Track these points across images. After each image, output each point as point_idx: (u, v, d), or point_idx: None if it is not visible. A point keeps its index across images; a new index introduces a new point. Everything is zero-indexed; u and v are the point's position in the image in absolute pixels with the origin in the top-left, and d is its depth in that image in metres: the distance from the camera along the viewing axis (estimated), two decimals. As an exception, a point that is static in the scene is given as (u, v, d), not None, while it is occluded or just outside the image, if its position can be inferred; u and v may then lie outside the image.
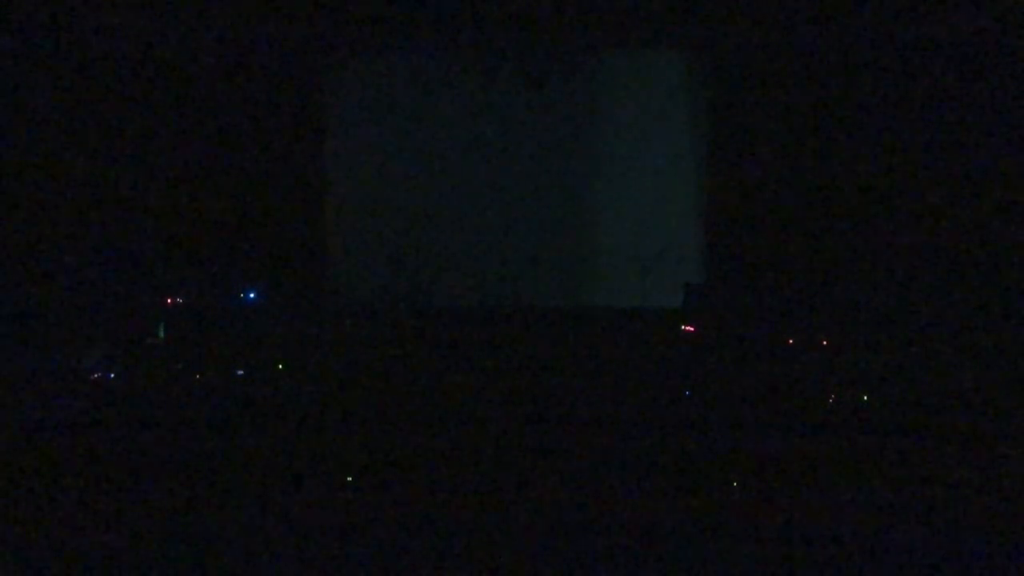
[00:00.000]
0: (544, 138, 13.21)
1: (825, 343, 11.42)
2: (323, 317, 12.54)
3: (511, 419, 9.95)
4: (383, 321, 12.49)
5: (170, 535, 7.00)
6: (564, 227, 13.28)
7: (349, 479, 8.23)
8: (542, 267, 13.26)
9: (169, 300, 12.11)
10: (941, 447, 8.98)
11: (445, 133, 13.23)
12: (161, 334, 11.63)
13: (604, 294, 13.21)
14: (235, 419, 9.76)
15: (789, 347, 11.42)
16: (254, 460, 8.66)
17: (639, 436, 9.42)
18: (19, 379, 10.53)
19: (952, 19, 12.02)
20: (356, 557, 6.70)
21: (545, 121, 13.19)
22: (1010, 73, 11.95)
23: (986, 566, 6.59)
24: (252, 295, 12.46)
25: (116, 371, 10.89)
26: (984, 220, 12.10)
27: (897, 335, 11.46)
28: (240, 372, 11.01)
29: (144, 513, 7.44)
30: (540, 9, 12.75)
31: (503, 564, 6.64)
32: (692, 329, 11.87)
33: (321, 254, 13.20)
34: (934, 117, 12.15)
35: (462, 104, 13.20)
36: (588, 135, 13.19)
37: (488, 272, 13.28)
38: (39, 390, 10.27)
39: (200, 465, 8.51)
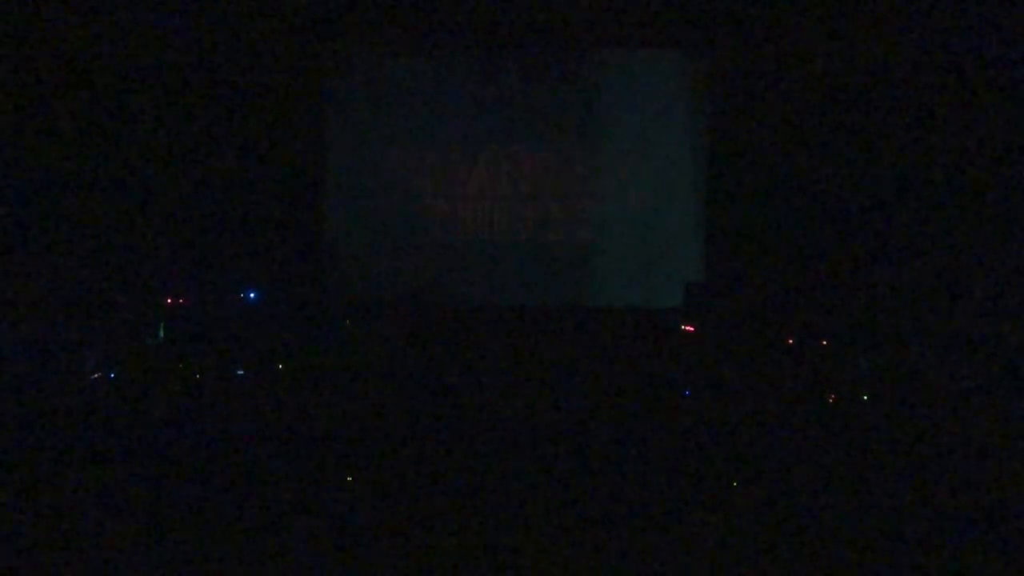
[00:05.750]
0: (544, 138, 13.20)
1: (825, 343, 11.42)
2: (323, 317, 12.54)
3: (511, 419, 9.96)
4: (383, 321, 12.49)
5: (170, 535, 6.99)
6: (563, 227, 13.28)
7: (349, 479, 8.22)
8: (542, 267, 13.26)
9: (169, 300, 12.11)
10: (940, 447, 8.99)
11: (444, 133, 13.22)
12: (161, 334, 11.63)
13: (604, 294, 13.21)
14: (235, 419, 9.76)
15: (789, 347, 11.42)
16: (254, 460, 8.66)
17: (638, 436, 9.43)
18: (19, 379, 10.53)
19: (953, 24, 12.02)
20: (356, 557, 6.70)
21: (545, 121, 13.19)
22: (1013, 81, 11.95)
23: (986, 565, 6.59)
24: (252, 295, 12.46)
25: (116, 371, 10.89)
26: (984, 219, 12.10)
27: (897, 335, 11.47)
28: (240, 372, 11.00)
29: (144, 513, 7.44)
30: (540, 9, 12.75)
31: (503, 563, 6.64)
32: (692, 329, 11.87)
33: (321, 254, 13.20)
34: (935, 119, 12.15)
35: (462, 104, 13.20)
36: (588, 135, 13.18)
37: (487, 272, 13.28)
38: (39, 390, 10.27)
39: (200, 465, 8.50)
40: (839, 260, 12.29)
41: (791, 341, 11.49)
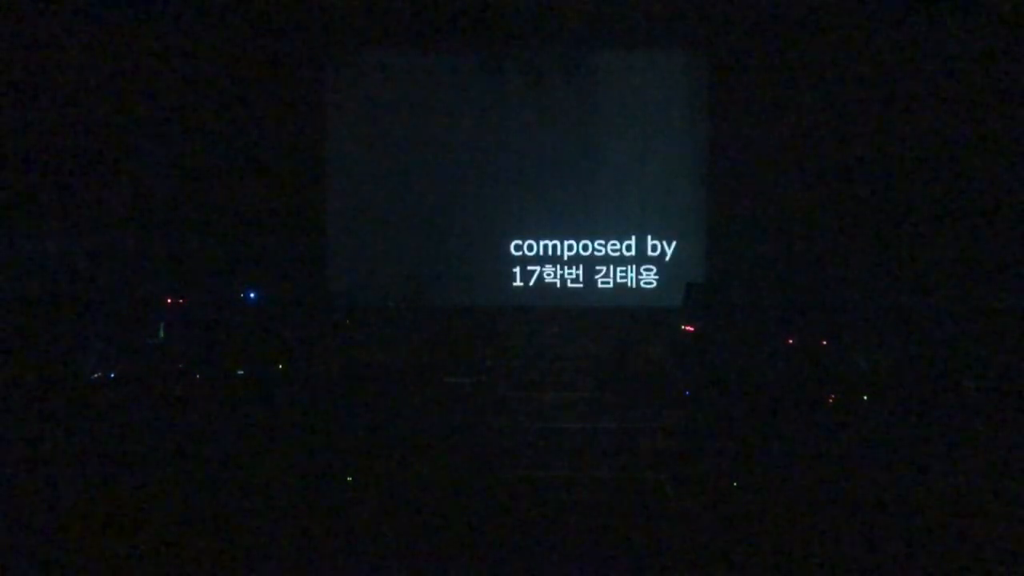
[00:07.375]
0: (544, 138, 13.21)
1: (825, 343, 11.43)
2: (323, 317, 12.55)
3: (511, 418, 9.97)
4: (383, 321, 12.50)
5: (170, 534, 7.00)
6: (564, 227, 13.29)
7: (349, 479, 8.23)
8: (541, 266, 13.26)
9: (169, 300, 12.11)
10: (941, 447, 9.00)
11: (445, 133, 13.23)
12: (161, 334, 11.63)
13: (604, 293, 13.22)
14: (235, 419, 9.77)
15: (789, 347, 11.42)
16: (254, 460, 8.67)
17: (639, 435, 9.44)
18: (19, 380, 10.54)
19: (949, 21, 12.03)
20: (357, 556, 6.71)
21: (545, 121, 13.20)
22: (1008, 75, 11.96)
23: (985, 564, 6.60)
24: (252, 295, 12.47)
25: (116, 371, 10.89)
26: (983, 219, 12.11)
27: (897, 335, 11.48)
28: (240, 372, 11.01)
29: (144, 512, 7.45)
30: (540, 9, 12.76)
31: (503, 562, 6.65)
32: (692, 329, 11.87)
33: (321, 254, 13.21)
34: (933, 116, 12.16)
35: (462, 104, 13.21)
36: (588, 135, 13.19)
37: (487, 271, 13.29)
38: (39, 390, 10.28)
39: (200, 465, 8.51)
40: (839, 260, 12.30)
41: (791, 341, 11.49)
